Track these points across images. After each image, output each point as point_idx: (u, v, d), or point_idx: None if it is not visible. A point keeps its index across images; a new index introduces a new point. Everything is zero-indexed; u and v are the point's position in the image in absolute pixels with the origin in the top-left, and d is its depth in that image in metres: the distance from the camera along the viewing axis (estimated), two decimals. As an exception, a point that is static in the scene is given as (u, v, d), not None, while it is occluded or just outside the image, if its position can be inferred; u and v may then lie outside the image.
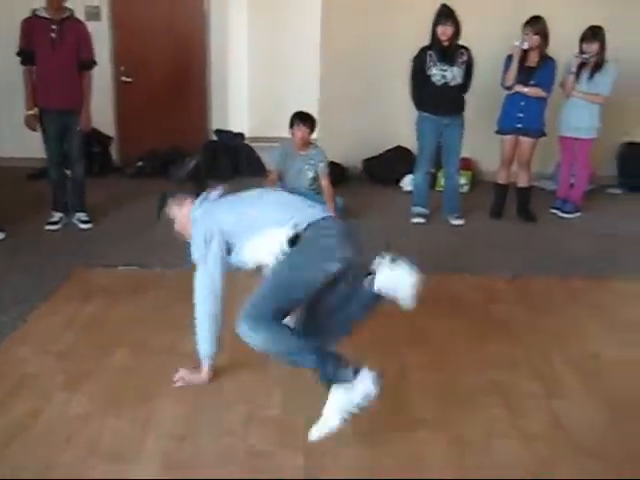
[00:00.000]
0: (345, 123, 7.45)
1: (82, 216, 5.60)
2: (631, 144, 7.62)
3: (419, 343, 3.67)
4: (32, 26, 5.21)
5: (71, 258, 4.84)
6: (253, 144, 7.58)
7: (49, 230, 5.45)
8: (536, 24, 5.77)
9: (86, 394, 3.06)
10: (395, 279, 2.89)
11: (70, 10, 5.32)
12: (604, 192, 7.38)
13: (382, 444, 2.76)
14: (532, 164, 6.20)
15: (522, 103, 5.94)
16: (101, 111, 6.70)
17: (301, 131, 5.50)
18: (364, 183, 7.44)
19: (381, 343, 3.64)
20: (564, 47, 5.99)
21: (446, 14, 5.63)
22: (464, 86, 5.83)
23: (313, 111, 5.90)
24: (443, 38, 5.65)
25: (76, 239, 5.33)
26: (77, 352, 3.44)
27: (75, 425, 2.82)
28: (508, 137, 6.12)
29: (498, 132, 6.16)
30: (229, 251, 2.95)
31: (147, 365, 3.32)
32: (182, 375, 3.15)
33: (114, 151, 7.66)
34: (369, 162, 7.61)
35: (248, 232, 2.86)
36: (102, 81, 6.90)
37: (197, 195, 3.16)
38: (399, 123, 6.93)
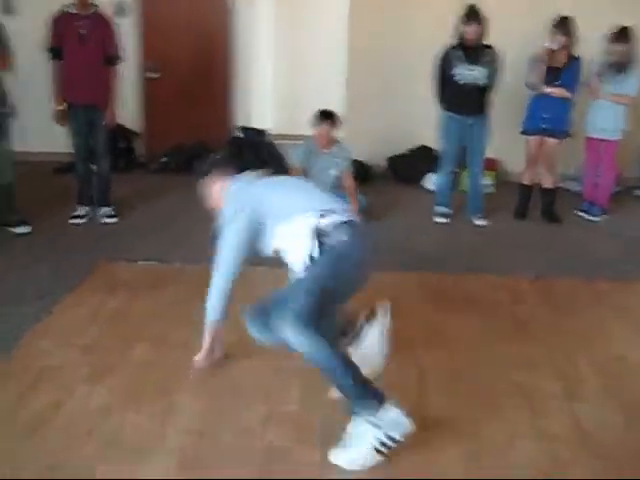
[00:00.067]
0: (370, 121, 7.43)
1: (107, 211, 5.64)
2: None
3: (439, 343, 3.66)
4: (61, 22, 5.27)
5: (95, 252, 4.88)
6: (276, 141, 7.58)
7: (74, 224, 5.50)
8: (565, 25, 5.73)
9: (107, 387, 3.08)
10: (363, 358, 2.91)
11: (96, 6, 5.38)
12: (631, 194, 7.29)
13: (402, 445, 2.74)
14: (557, 165, 6.14)
15: (548, 104, 5.89)
16: (127, 107, 6.76)
17: (324, 129, 5.49)
18: (388, 181, 7.42)
19: (400, 342, 3.61)
20: (587, 44, 5.91)
21: (473, 13, 5.61)
22: (489, 86, 5.79)
23: (338, 109, 5.89)
24: (469, 37, 5.62)
25: (101, 233, 5.37)
26: (100, 345, 3.47)
27: (96, 419, 2.84)
28: (533, 138, 6.07)
29: (523, 133, 6.12)
30: (257, 233, 2.94)
31: (167, 359, 3.34)
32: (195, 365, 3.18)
33: (140, 146, 7.70)
34: (393, 160, 7.59)
35: (280, 215, 2.87)
36: (129, 77, 6.96)
37: (234, 175, 3.18)
38: (424, 122, 6.89)
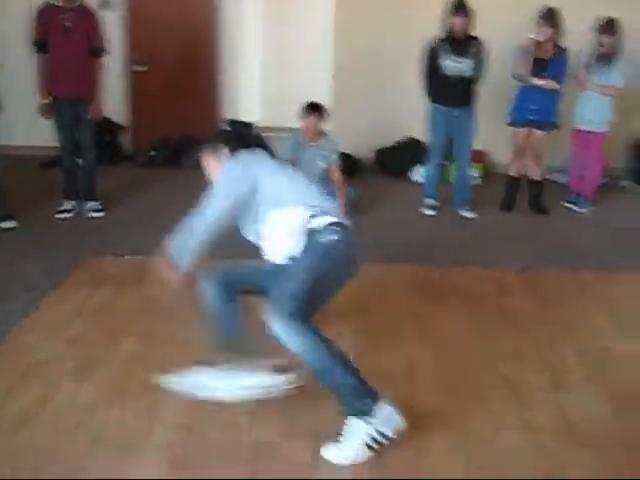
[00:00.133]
0: (357, 114, 7.43)
1: (94, 204, 5.62)
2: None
3: (426, 335, 3.67)
4: (45, 15, 5.24)
5: (82, 247, 4.86)
6: (264, 134, 7.56)
7: (60, 218, 5.48)
8: (551, 16, 5.74)
9: (94, 382, 3.08)
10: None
11: (83, -1, 5.35)
12: (617, 185, 7.33)
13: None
14: (544, 157, 6.17)
15: (535, 95, 5.90)
16: (113, 100, 6.72)
17: (311, 121, 5.48)
18: (376, 174, 7.42)
19: (388, 335, 3.64)
20: (574, 36, 5.91)
21: (460, 5, 5.62)
22: (476, 78, 5.80)
23: (325, 102, 5.88)
24: (456, 29, 5.63)
25: (87, 228, 5.35)
26: (86, 340, 3.47)
27: (82, 414, 2.84)
28: (521, 129, 6.09)
29: (511, 124, 6.14)
30: (245, 206, 2.92)
31: (154, 354, 3.34)
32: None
33: (126, 140, 7.67)
34: (381, 153, 7.59)
35: (274, 201, 2.86)
36: (115, 70, 6.93)
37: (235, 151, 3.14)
38: (411, 114, 6.88)
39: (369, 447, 2.57)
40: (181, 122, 7.58)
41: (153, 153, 7.42)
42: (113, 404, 2.92)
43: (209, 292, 2.97)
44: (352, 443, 2.57)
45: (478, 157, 7.03)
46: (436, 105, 5.86)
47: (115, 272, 4.40)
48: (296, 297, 2.59)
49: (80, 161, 5.60)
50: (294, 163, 5.53)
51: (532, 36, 5.77)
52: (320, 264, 2.73)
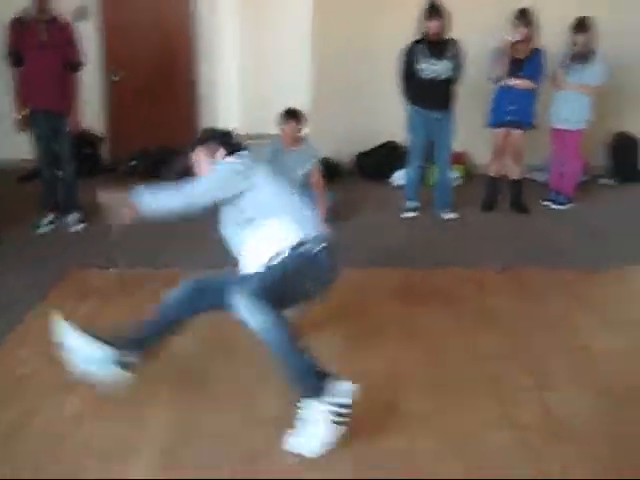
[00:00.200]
0: (337, 119, 7.45)
1: (75, 216, 5.59)
2: (622, 134, 7.64)
3: (409, 336, 3.69)
4: (20, 27, 5.20)
5: (64, 259, 4.84)
6: (243, 141, 7.57)
7: (41, 232, 5.45)
8: (525, 16, 5.80)
9: (81, 395, 3.06)
10: None
11: (57, 11, 5.32)
12: (597, 183, 7.40)
13: (375, 438, 2.78)
14: (523, 156, 6.22)
15: (512, 96, 5.95)
16: (91, 111, 6.70)
17: (289, 127, 5.48)
18: (356, 179, 7.45)
19: (371, 338, 3.66)
20: (551, 37, 5.99)
21: (434, 8, 5.65)
22: (454, 80, 5.83)
23: (303, 107, 5.90)
24: (432, 32, 5.66)
25: (69, 240, 5.32)
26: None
27: (70, 426, 2.84)
28: (499, 130, 6.13)
29: (489, 125, 6.18)
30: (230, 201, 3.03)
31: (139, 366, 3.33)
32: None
33: (105, 151, 7.64)
34: (361, 157, 7.62)
35: (266, 211, 2.96)
36: (91, 81, 6.91)
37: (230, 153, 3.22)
38: (391, 118, 6.91)
39: (337, 423, 2.61)
40: (160, 131, 7.57)
41: (133, 163, 7.40)
42: (100, 416, 2.91)
43: (174, 293, 3.01)
44: (316, 428, 2.61)
45: (458, 158, 7.07)
46: (415, 108, 5.89)
47: (99, 284, 4.38)
48: (263, 281, 2.73)
49: (60, 173, 5.57)
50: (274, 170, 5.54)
51: (508, 37, 5.82)
52: (295, 266, 2.83)
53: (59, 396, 3.06)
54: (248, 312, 2.61)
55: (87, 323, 3.74)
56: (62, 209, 5.62)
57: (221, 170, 3.08)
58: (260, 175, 3.07)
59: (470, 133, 6.66)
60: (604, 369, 3.40)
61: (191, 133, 7.54)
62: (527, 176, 6.61)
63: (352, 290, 4.19)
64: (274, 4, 7.64)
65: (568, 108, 6.17)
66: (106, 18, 7.47)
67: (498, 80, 5.96)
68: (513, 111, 5.99)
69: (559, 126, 6.28)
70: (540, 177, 7.07)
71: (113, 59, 7.58)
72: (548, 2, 6.41)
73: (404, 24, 5.98)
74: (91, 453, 2.66)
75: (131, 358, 2.89)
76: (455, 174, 6.86)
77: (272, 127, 5.71)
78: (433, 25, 5.65)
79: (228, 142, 3.28)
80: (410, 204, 6.12)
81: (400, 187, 6.60)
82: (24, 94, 5.29)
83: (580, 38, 5.98)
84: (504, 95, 6.01)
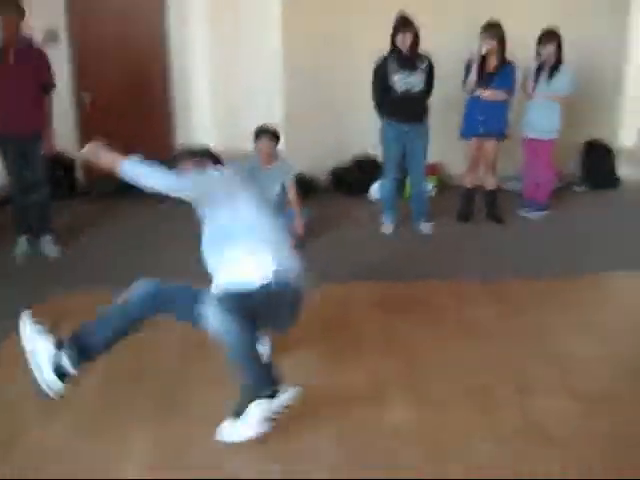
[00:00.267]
0: (310, 134, 7.44)
1: (49, 240, 5.53)
2: (594, 142, 7.73)
3: (392, 349, 3.70)
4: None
5: (39, 284, 4.78)
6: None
7: (15, 256, 5.38)
8: (492, 29, 5.86)
9: (62, 422, 3.03)
10: None
11: (27, 34, 5.28)
12: (570, 190, 7.47)
13: (358, 452, 2.78)
14: (497, 166, 6.26)
15: (483, 107, 6.01)
16: (64, 133, 6.65)
17: (265, 145, 5.48)
18: (332, 194, 7.44)
19: (353, 351, 3.66)
20: (520, 48, 6.07)
21: (404, 23, 5.67)
22: (426, 93, 5.86)
23: (277, 123, 5.90)
24: (403, 46, 5.69)
25: (44, 264, 5.26)
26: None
27: (51, 454, 2.80)
28: (472, 140, 6.18)
29: (462, 136, 6.23)
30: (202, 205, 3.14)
31: (119, 390, 3.30)
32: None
33: (79, 173, 7.58)
34: (337, 172, 7.62)
35: (243, 233, 3.03)
36: (63, 103, 6.85)
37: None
38: (364, 132, 6.93)
39: (269, 419, 2.78)
40: (135, 150, 7.44)
41: (106, 185, 7.32)
42: (82, 443, 2.87)
43: (139, 288, 3.03)
44: (250, 419, 2.76)
45: (432, 169, 7.11)
46: (388, 121, 5.92)
47: (75, 308, 4.32)
48: (232, 299, 2.79)
49: (33, 197, 5.50)
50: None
51: (478, 49, 5.88)
52: (260, 298, 2.91)
53: (41, 422, 3.03)
54: (214, 318, 2.70)
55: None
56: (36, 232, 5.54)
57: (208, 173, 3.18)
58: (242, 191, 3.14)
59: (444, 144, 6.69)
60: (588, 375, 3.42)
61: (166, 150, 7.52)
62: (502, 186, 6.66)
63: (333, 304, 4.20)
64: (244, 20, 7.59)
65: (539, 118, 6.24)
66: (76, 39, 7.41)
67: (470, 92, 6.02)
68: (484, 122, 6.04)
69: (531, 136, 6.34)
70: (514, 186, 7.12)
71: (85, 80, 7.52)
72: (516, 14, 6.49)
73: (375, 37, 6.00)
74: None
75: (69, 365, 2.87)
76: (430, 185, 6.89)
77: (247, 143, 5.69)
78: (404, 39, 5.67)
79: (214, 157, 3.41)
80: (387, 217, 6.12)
81: (377, 201, 6.61)
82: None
83: (547, 49, 6.05)
84: (475, 106, 6.06)
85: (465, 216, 6.35)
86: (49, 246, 5.50)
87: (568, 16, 6.79)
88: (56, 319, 4.07)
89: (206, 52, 7.73)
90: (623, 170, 7.80)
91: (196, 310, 2.86)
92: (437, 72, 5.85)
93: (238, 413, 2.80)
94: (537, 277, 4.81)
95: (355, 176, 7.45)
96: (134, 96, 7.61)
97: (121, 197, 7.06)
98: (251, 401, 2.77)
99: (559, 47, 6.07)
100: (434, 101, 5.98)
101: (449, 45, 6.50)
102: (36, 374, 2.84)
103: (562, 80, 6.12)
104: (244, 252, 3.00)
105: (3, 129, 5.23)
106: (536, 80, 6.17)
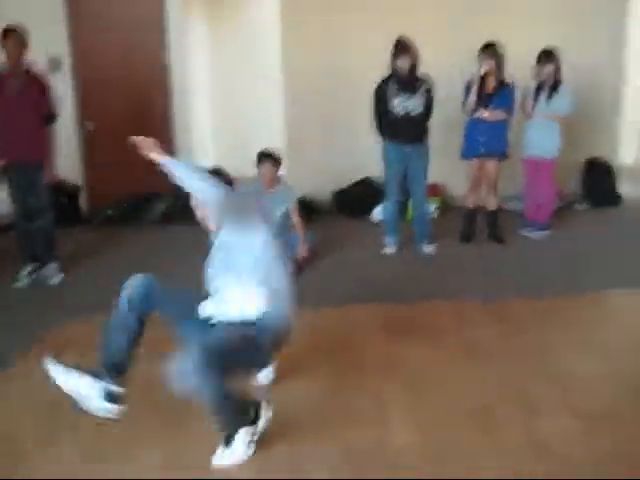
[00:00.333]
0: (312, 157, 7.49)
1: (53, 267, 5.55)
2: (594, 160, 7.77)
3: (395, 372, 3.70)
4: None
5: (43, 311, 4.81)
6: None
7: (20, 285, 5.40)
8: (490, 50, 5.92)
9: (66, 451, 3.04)
10: None
11: (30, 64, 5.34)
12: (571, 209, 7.50)
13: (360, 475, 2.78)
14: (498, 186, 6.29)
15: (484, 127, 6.05)
16: (67, 162, 6.70)
17: (267, 169, 5.51)
18: (334, 216, 7.48)
19: (356, 373, 3.66)
20: (519, 69, 6.12)
21: (403, 46, 5.73)
22: (426, 115, 5.90)
23: (278, 147, 5.95)
24: (402, 70, 5.74)
25: (48, 292, 5.29)
26: (55, 407, 3.41)
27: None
28: (473, 161, 6.21)
29: (463, 157, 6.26)
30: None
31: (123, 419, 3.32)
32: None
33: (83, 200, 7.63)
34: (338, 194, 7.66)
35: (247, 270, 3.05)
36: (66, 131, 6.91)
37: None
38: (366, 154, 6.97)
39: (251, 443, 2.91)
40: (138, 178, 7.53)
41: (110, 212, 7.38)
42: (89, 472, 2.88)
43: (134, 282, 3.09)
44: (237, 446, 2.87)
45: (435, 191, 7.15)
46: (389, 143, 5.96)
47: (78, 336, 4.34)
48: (221, 343, 2.84)
49: (38, 221, 5.51)
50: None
51: (477, 70, 5.93)
52: (250, 338, 2.96)
53: (43, 452, 3.03)
54: (195, 372, 2.64)
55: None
56: (40, 260, 5.57)
57: (237, 189, 3.27)
58: (262, 223, 3.14)
59: (446, 165, 6.73)
60: (590, 394, 3.42)
61: (167, 177, 7.59)
62: (503, 206, 6.68)
63: (336, 326, 4.22)
64: (245, 50, 7.69)
65: (539, 138, 6.27)
66: (78, 68, 7.51)
67: (470, 113, 6.06)
68: (485, 142, 6.08)
69: (531, 155, 6.37)
70: (515, 206, 7.14)
71: (87, 108, 7.60)
72: (515, 35, 6.56)
73: (375, 61, 6.07)
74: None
75: (114, 387, 2.93)
76: (432, 206, 6.93)
77: (249, 168, 5.72)
78: (403, 62, 5.72)
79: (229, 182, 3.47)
80: (390, 239, 6.15)
81: (380, 223, 6.64)
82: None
83: (546, 68, 6.11)
84: (475, 127, 6.10)
85: (467, 237, 6.37)
86: (53, 274, 5.53)
87: (567, 36, 6.85)
88: (61, 348, 4.11)
89: (207, 81, 7.82)
90: (624, 188, 7.85)
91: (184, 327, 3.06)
92: (437, 94, 5.89)
93: (227, 442, 2.89)
94: (538, 296, 4.82)
95: (358, 198, 7.48)
96: (136, 125, 7.63)
97: (124, 224, 7.13)
98: (237, 429, 2.87)
99: (557, 67, 6.12)
100: (434, 123, 6.02)
101: (449, 67, 6.55)
102: (92, 409, 2.92)
103: (562, 100, 6.17)
104: (243, 287, 3.05)
105: (7, 157, 5.28)
106: (535, 99, 6.23)
